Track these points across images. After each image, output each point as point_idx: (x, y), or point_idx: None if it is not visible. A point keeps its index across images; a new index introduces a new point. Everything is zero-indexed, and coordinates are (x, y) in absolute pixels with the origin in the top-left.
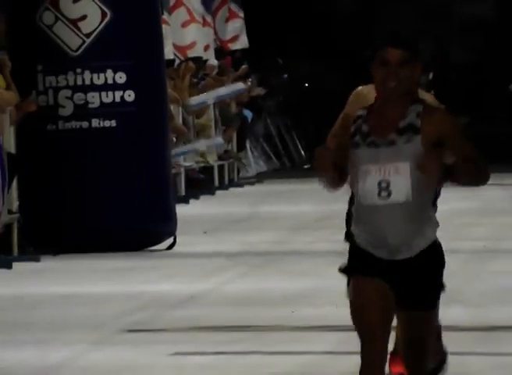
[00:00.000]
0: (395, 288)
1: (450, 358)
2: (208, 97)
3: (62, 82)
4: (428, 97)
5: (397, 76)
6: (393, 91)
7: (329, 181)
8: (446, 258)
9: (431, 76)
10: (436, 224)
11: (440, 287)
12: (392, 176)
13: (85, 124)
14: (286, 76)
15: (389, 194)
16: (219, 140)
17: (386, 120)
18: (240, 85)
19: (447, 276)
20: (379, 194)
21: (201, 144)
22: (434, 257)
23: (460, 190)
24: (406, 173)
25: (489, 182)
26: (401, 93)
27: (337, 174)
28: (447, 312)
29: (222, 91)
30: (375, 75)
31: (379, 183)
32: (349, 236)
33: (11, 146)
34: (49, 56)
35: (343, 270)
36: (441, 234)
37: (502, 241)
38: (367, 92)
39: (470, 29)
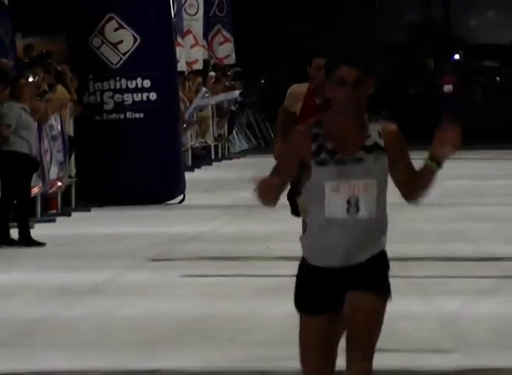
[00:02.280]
0: (347, 284)
1: None
2: (212, 100)
3: (106, 86)
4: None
5: (355, 96)
6: (353, 108)
7: (265, 203)
8: None
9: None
10: (386, 238)
11: (388, 289)
12: (361, 193)
13: (121, 116)
14: (262, 81)
15: (358, 210)
16: (235, 93)
17: (351, 138)
18: (235, 93)
19: None
20: (348, 210)
21: (221, 97)
22: (383, 260)
23: None
24: (373, 190)
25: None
26: (360, 109)
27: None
28: None
29: (222, 96)
30: (332, 94)
31: (348, 200)
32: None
33: (70, 131)
34: (97, 68)
35: (295, 305)
36: None
37: None
38: (300, 89)
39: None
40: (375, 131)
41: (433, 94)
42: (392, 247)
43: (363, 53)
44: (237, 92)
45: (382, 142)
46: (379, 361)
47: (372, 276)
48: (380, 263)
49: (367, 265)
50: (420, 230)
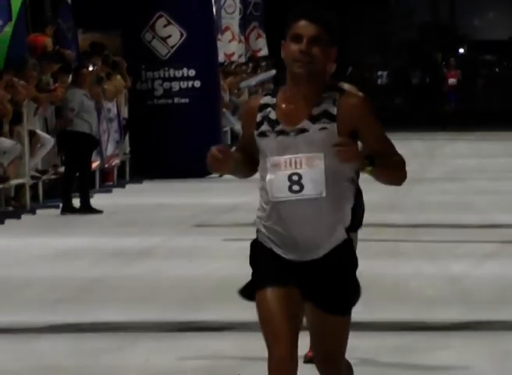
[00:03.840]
0: (307, 290)
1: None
2: (252, 81)
3: (156, 75)
4: (349, 87)
5: (310, 53)
6: (305, 68)
7: (217, 172)
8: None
9: (350, 70)
10: (349, 221)
11: (356, 290)
12: (305, 169)
13: (169, 101)
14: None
15: (301, 188)
16: (273, 72)
17: (297, 106)
18: (273, 72)
19: (395, 190)
20: (290, 188)
21: (260, 77)
22: (346, 256)
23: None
24: (320, 164)
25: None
26: (313, 72)
27: (244, 165)
28: (389, 217)
29: (261, 76)
30: (286, 52)
31: (290, 177)
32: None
33: (125, 114)
34: (148, 59)
35: (244, 293)
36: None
37: (425, 173)
38: None
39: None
40: (331, 99)
41: (440, 83)
42: (405, 216)
43: (328, 14)
44: (274, 71)
45: (334, 110)
46: (394, 314)
47: (336, 289)
48: (343, 262)
49: (327, 264)
50: (431, 201)
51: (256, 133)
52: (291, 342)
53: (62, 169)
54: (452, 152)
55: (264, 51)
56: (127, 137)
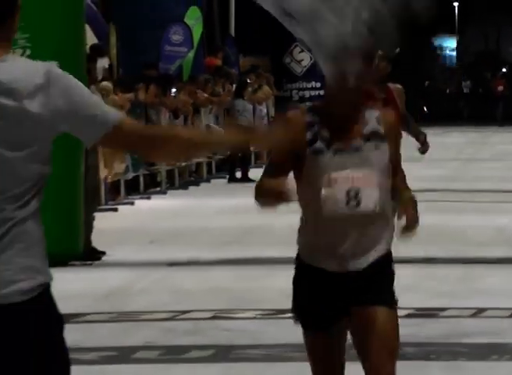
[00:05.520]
0: (348, 302)
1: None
2: None
3: (293, 86)
4: (393, 86)
5: (351, 75)
6: (348, 91)
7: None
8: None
9: (427, 83)
10: (393, 234)
11: (392, 297)
12: (362, 185)
13: (303, 105)
14: None
15: (359, 203)
16: None
17: (346, 125)
18: None
19: (456, 166)
20: (348, 203)
21: None
22: (386, 268)
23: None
24: (374, 181)
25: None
26: (355, 95)
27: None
28: (452, 185)
29: None
30: (326, 74)
31: (348, 192)
32: None
33: (272, 113)
34: (288, 75)
35: (296, 319)
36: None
37: (477, 155)
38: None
39: None
40: (373, 118)
41: (490, 92)
42: (463, 184)
43: (368, 41)
44: None
45: (381, 129)
46: (457, 253)
47: (378, 288)
48: (385, 273)
49: (369, 274)
50: (483, 175)
51: (309, 151)
52: None
53: (228, 151)
54: (498, 141)
55: None
56: None
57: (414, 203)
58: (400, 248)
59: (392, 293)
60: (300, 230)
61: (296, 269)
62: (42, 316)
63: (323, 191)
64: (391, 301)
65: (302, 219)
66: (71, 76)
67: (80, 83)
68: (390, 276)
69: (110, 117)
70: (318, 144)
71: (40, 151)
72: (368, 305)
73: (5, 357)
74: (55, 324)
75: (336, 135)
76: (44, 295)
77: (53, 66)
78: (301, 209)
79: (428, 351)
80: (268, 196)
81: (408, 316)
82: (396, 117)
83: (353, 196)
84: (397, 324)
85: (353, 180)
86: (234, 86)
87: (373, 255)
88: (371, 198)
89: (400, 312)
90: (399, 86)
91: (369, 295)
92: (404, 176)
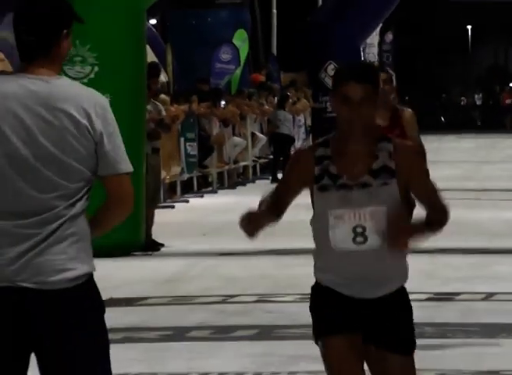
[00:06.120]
0: (367, 332)
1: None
2: None
3: (327, 99)
4: (407, 111)
5: (359, 113)
6: (356, 127)
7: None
8: None
9: (443, 96)
10: (407, 270)
11: (412, 335)
12: (369, 221)
13: (334, 115)
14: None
15: (365, 240)
16: None
17: (355, 160)
18: None
19: (470, 167)
20: (354, 239)
21: None
22: (403, 300)
23: None
24: (383, 217)
25: None
26: (364, 129)
27: (267, 221)
28: (467, 184)
29: None
30: (335, 109)
31: (354, 229)
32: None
33: (309, 122)
34: (323, 89)
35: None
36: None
37: (489, 158)
38: None
39: None
40: (386, 152)
41: (498, 105)
42: (477, 183)
43: (371, 67)
44: None
45: (392, 164)
46: (473, 243)
47: (396, 330)
48: (402, 309)
49: (385, 307)
50: (494, 174)
51: (316, 187)
52: None
53: (271, 156)
54: (507, 145)
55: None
56: (310, 137)
57: (422, 228)
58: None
59: (411, 335)
60: (313, 254)
61: (312, 290)
62: (84, 300)
63: (330, 228)
64: (409, 348)
65: (316, 244)
66: (112, 115)
67: (116, 127)
68: (408, 314)
69: (122, 165)
70: (325, 181)
71: (88, 157)
72: (385, 352)
73: (52, 335)
74: (96, 308)
75: (345, 170)
76: (87, 283)
77: (102, 98)
78: (314, 238)
79: (445, 331)
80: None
81: (427, 299)
82: (415, 153)
83: (360, 233)
84: (414, 372)
85: (359, 216)
86: (276, 99)
87: (389, 287)
88: (378, 235)
89: (420, 297)
90: (409, 110)
91: (387, 339)
92: (442, 208)
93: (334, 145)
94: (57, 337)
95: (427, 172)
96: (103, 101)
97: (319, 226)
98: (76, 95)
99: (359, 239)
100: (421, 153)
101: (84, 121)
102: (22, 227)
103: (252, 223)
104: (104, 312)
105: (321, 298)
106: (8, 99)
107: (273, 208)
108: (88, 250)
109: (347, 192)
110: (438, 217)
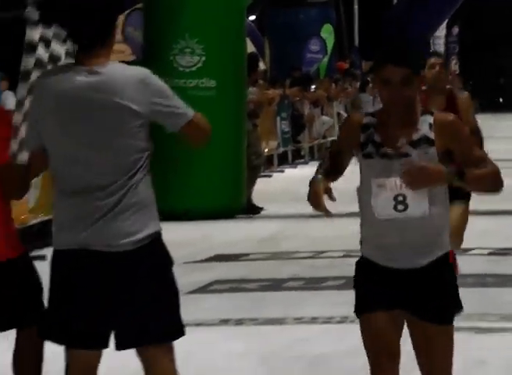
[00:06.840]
0: (409, 303)
1: None
2: None
3: None
4: (462, 94)
5: (400, 94)
6: (398, 107)
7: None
8: None
9: (502, 80)
10: (448, 235)
11: (457, 300)
12: (409, 190)
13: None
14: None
15: (406, 208)
16: None
17: (397, 131)
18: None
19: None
20: (395, 207)
21: None
22: (448, 268)
23: None
24: None
25: None
26: (406, 108)
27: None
28: None
29: None
30: (377, 90)
31: (395, 197)
32: None
33: None
34: None
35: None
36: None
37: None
38: None
39: None
40: (427, 123)
41: None
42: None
43: (413, 51)
44: None
45: (431, 135)
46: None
47: (439, 301)
48: (445, 273)
49: (431, 274)
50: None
51: (361, 154)
52: (393, 368)
53: None
54: None
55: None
56: None
57: (452, 175)
58: (479, 203)
59: (454, 303)
60: (360, 226)
61: (356, 264)
62: (150, 257)
63: (373, 196)
64: (451, 318)
65: (361, 214)
66: (155, 80)
67: (163, 85)
68: (453, 277)
69: (188, 112)
70: (369, 148)
71: (141, 132)
72: (428, 324)
73: (122, 289)
74: (163, 263)
75: (388, 140)
76: (152, 243)
77: (148, 72)
78: (359, 207)
79: (504, 280)
80: (310, 197)
81: (489, 254)
82: (452, 122)
83: (401, 201)
84: (452, 347)
85: (400, 185)
86: (358, 83)
87: (434, 254)
88: (418, 203)
89: (482, 252)
90: (465, 93)
91: (430, 310)
92: (490, 171)
93: (379, 115)
94: (127, 291)
95: (472, 141)
96: (143, 75)
97: (364, 194)
98: (124, 80)
99: (400, 207)
100: (477, 136)
101: (133, 105)
102: (92, 200)
103: (317, 199)
104: (171, 265)
105: (362, 274)
106: (70, 91)
107: (330, 171)
108: (150, 214)
109: (389, 161)
110: (480, 173)
